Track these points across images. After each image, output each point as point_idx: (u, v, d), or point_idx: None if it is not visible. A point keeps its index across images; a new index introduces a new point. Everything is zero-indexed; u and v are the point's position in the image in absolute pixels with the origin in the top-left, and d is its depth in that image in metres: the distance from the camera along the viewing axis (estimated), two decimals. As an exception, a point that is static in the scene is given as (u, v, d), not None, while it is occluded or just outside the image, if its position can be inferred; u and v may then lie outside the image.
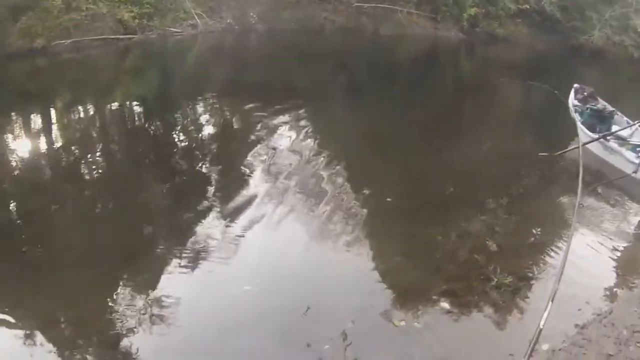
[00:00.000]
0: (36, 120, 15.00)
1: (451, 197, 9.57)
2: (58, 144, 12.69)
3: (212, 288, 7.02)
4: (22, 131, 14.02)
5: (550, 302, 5.29)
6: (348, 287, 7.00)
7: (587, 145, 11.35)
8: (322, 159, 10.92)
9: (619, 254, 8.20)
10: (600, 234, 8.60)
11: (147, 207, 9.35)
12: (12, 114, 15.12)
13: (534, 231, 8.54)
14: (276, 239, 8.17)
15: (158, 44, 23.07)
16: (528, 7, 25.23)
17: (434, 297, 6.80)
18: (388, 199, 9.42)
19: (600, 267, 7.85)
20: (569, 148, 11.52)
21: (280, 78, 17.52)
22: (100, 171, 11.12)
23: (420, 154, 11.60)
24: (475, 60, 22.82)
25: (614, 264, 7.96)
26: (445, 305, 6.65)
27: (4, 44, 19.96)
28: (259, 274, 7.17)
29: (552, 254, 7.91)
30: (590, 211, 9.33)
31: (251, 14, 25.60)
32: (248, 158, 11.02)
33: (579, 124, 12.19)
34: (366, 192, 9.71)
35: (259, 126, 12.90)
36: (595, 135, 11.45)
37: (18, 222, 9.16)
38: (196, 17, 24.57)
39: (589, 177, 10.38)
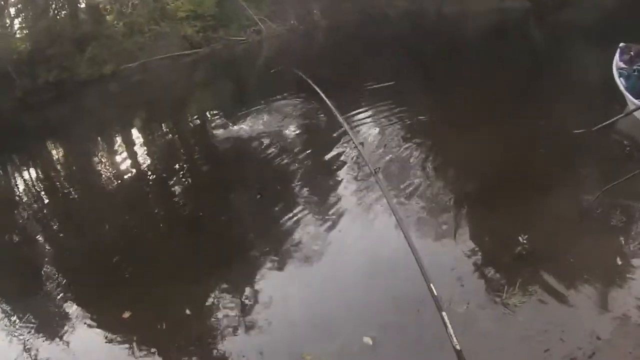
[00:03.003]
0: (118, 142, 15.84)
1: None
2: (143, 162, 13.13)
3: (304, 291, 6.85)
4: (108, 153, 14.78)
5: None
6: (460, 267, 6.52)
7: (636, 114, 9.48)
8: (409, 147, 10.33)
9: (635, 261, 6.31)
10: (622, 233, 6.89)
11: (237, 212, 9.42)
12: (98, 138, 16.20)
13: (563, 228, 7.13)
14: (367, 238, 7.75)
15: (225, 54, 23.39)
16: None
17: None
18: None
19: (602, 281, 6.05)
20: (609, 120, 9.65)
21: (353, 70, 17.19)
22: (187, 182, 11.32)
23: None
24: (545, 28, 21.27)
25: (623, 277, 6.10)
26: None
27: (75, 73, 21.10)
28: (350, 275, 6.91)
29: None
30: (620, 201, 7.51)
31: (315, 11, 25.16)
32: (335, 153, 10.70)
33: (623, 89, 10.39)
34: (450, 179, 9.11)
35: (340, 120, 12.31)
36: None
37: (112, 235, 9.51)
38: (259, 23, 24.42)
39: (637, 153, 8.76)
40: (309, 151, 11.21)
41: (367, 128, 11.79)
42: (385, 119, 12.01)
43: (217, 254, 8.11)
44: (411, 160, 9.74)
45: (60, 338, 6.91)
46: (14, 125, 18.35)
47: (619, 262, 6.14)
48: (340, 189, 9.23)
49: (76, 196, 12.10)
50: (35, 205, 12.11)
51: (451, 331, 5.29)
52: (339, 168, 9.99)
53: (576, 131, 9.13)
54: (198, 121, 16.27)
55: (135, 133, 16.34)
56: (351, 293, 6.44)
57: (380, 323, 5.79)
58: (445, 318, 5.43)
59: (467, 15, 22.25)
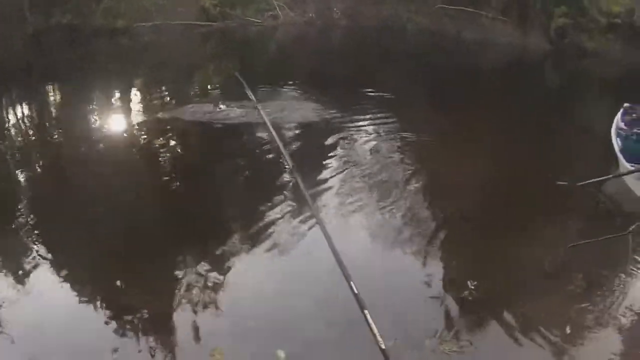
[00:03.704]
0: (116, 97, 16.10)
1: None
2: (135, 122, 13.41)
3: (273, 279, 7.14)
4: (103, 106, 14.96)
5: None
6: (399, 298, 6.70)
7: (626, 178, 9.46)
8: (401, 159, 10.81)
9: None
10: (578, 299, 6.79)
11: (221, 193, 9.69)
12: (98, 89, 16.33)
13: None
14: (341, 237, 7.92)
15: (238, 32, 23.45)
16: (619, 21, 23.72)
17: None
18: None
19: (543, 345, 6.00)
20: (596, 179, 9.19)
21: (362, 75, 17.23)
22: (174, 151, 11.60)
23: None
24: (562, 74, 21.30)
25: (566, 345, 6.04)
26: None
27: (88, 22, 21.16)
28: (318, 271, 7.22)
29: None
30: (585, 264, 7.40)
31: (335, 9, 25.22)
32: (325, 152, 11.05)
33: (617, 150, 10.32)
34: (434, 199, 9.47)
35: (338, 119, 12.91)
36: (635, 167, 9.45)
37: (88, 188, 9.70)
38: (278, 9, 24.43)
39: (619, 219, 8.53)
40: (302, 145, 11.41)
41: (359, 135, 12.03)
42: (377, 129, 12.32)
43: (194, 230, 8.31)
44: (391, 176, 9.98)
45: (17, 277, 7.15)
46: (19, 61, 18.38)
47: (567, 330, 6.09)
48: (324, 189, 9.43)
49: (61, 142, 12.33)
50: (20, 143, 12.47)
51: (375, 330, 5.53)
52: (329, 167, 10.34)
53: (559, 182, 9.29)
54: (197, 92, 16.51)
55: (135, 91, 16.52)
56: (290, 301, 6.55)
57: (306, 339, 5.84)
58: (368, 317, 5.59)
59: (486, 44, 22.24)
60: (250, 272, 7.32)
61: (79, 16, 20.90)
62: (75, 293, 6.85)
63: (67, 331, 6.14)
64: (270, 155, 10.94)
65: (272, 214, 8.66)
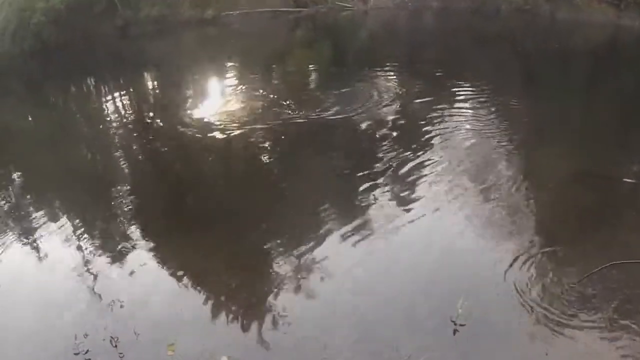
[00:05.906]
0: (209, 83, 16.35)
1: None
2: (230, 107, 13.02)
3: (364, 265, 6.96)
4: (197, 92, 15.08)
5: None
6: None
7: None
8: (499, 150, 10.04)
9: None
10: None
11: (318, 176, 9.46)
12: (189, 76, 16.51)
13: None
14: (437, 230, 7.80)
15: (328, 18, 22.97)
16: None
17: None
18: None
19: None
20: None
21: (455, 61, 16.57)
22: (272, 134, 11.25)
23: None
24: None
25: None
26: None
27: (177, 12, 21.39)
28: (409, 261, 7.02)
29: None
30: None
31: (426, -11, 24.07)
32: (423, 139, 10.55)
33: None
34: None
35: (434, 106, 12.27)
36: None
37: (186, 171, 10.13)
38: None
39: None
40: (399, 135, 10.87)
41: (452, 121, 11.37)
42: (472, 120, 11.55)
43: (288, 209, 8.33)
44: (487, 169, 9.29)
45: (116, 256, 7.40)
46: (112, 51, 19.22)
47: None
48: (422, 181, 8.94)
49: (159, 126, 12.45)
50: (118, 127, 12.58)
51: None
52: (427, 159, 9.70)
53: (627, 179, 8.17)
54: (291, 78, 15.97)
55: (227, 78, 16.32)
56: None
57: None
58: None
59: (580, 24, 21.01)
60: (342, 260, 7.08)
61: (167, 8, 21.12)
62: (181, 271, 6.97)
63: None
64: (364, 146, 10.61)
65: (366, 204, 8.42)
